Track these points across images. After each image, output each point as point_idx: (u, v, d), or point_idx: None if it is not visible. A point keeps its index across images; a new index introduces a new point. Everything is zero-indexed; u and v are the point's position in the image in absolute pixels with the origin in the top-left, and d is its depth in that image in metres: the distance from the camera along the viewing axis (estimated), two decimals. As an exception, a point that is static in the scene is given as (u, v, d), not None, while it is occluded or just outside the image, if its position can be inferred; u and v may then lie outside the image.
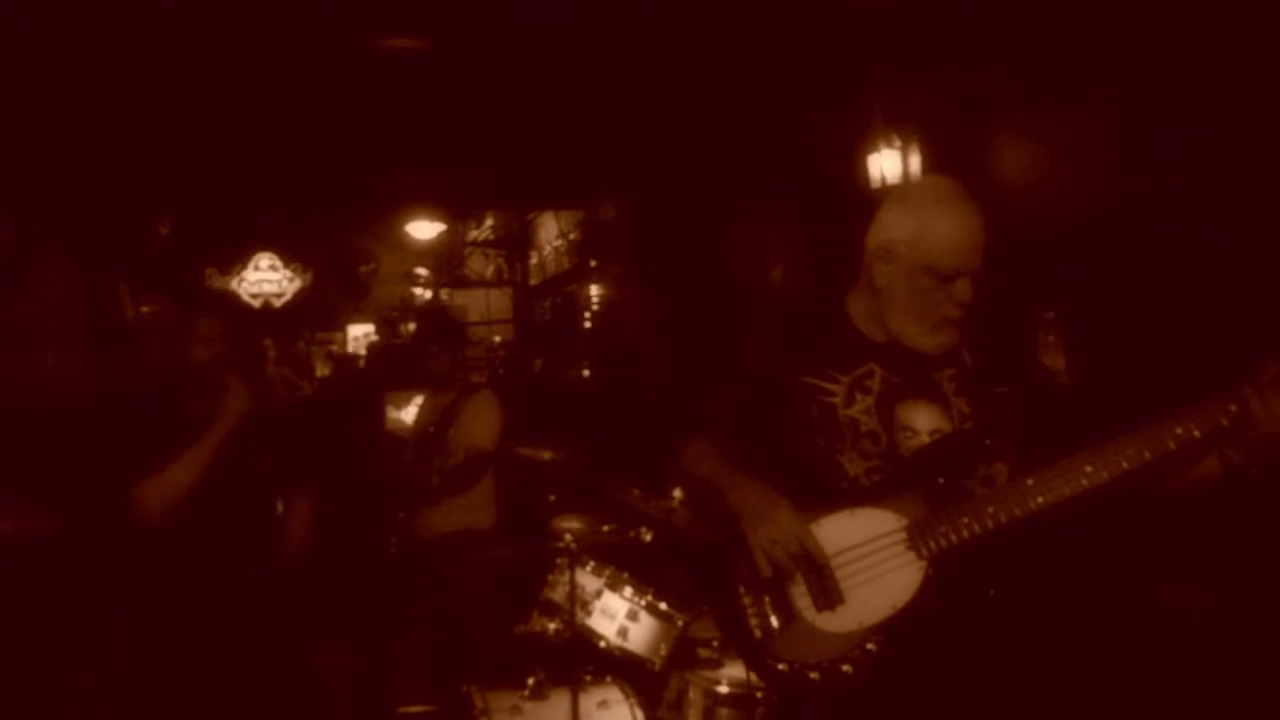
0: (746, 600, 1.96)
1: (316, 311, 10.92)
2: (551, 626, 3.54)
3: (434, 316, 7.48)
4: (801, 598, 1.91)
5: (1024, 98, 4.15)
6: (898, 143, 4.79)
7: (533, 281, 10.54)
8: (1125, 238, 3.60)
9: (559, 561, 3.61)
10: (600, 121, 6.38)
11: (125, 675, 3.16)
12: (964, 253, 1.92)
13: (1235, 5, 3.13)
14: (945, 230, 1.92)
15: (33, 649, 4.01)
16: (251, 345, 3.36)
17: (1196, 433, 1.76)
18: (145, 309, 8.60)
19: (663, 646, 3.45)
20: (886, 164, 4.83)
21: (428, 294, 10.56)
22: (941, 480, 1.89)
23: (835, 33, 4.79)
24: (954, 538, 1.85)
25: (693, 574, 3.46)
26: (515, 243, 10.71)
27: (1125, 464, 1.78)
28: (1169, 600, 3.14)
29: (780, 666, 1.90)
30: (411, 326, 9.40)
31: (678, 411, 2.22)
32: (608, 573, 3.54)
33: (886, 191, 4.78)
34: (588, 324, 8.53)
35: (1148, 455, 1.77)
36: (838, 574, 1.90)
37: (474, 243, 11.06)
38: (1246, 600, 2.96)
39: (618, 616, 3.46)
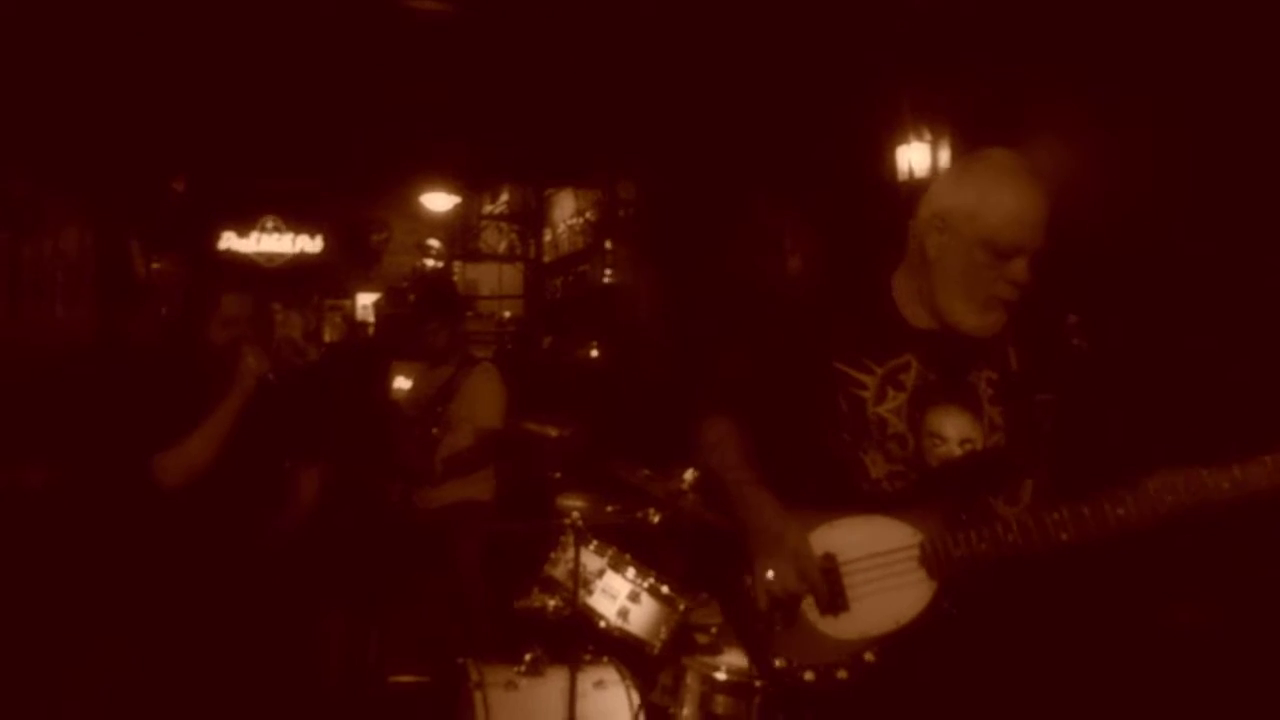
0: (752, 594, 1.95)
1: (327, 277, 10.90)
2: (551, 603, 3.50)
3: (432, 289, 7.37)
4: (806, 599, 1.88)
5: (1058, 93, 4.09)
6: (928, 136, 4.74)
7: (546, 259, 10.47)
8: (1155, 241, 3.55)
9: (563, 539, 3.57)
10: (624, 101, 6.33)
11: (125, 636, 3.16)
12: (1025, 228, 1.82)
13: (1274, 21, 3.08)
14: (1008, 204, 1.82)
15: (34, 602, 4.00)
16: (269, 319, 3.37)
17: (1251, 487, 1.62)
18: (155, 266, 8.58)
19: (663, 630, 3.40)
20: (915, 156, 4.78)
21: (439, 265, 10.51)
22: (964, 516, 1.82)
23: (868, 24, 4.73)
24: (969, 563, 1.79)
25: (698, 559, 3.44)
26: (530, 218, 10.64)
27: (1162, 510, 1.66)
28: (1174, 622, 3.09)
29: (777, 662, 1.88)
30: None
31: (694, 388, 2.16)
32: (610, 553, 3.50)
33: (913, 184, 4.72)
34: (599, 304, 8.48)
35: (1189, 503, 1.65)
36: (846, 580, 1.86)
37: (489, 216, 11.01)
38: (1252, 621, 2.91)
39: (619, 597, 3.42)
